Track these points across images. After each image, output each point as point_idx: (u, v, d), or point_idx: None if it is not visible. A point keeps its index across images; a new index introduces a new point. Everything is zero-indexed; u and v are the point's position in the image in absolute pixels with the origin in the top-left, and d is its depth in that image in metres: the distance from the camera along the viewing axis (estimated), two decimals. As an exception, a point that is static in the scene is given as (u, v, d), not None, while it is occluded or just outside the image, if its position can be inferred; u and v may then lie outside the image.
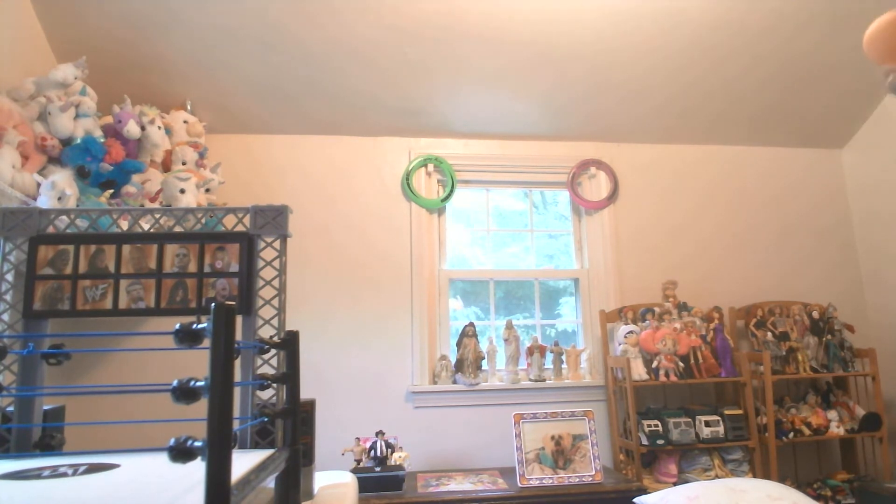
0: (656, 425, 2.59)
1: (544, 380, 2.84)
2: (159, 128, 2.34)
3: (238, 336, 0.79)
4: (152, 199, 2.24)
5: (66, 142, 1.99)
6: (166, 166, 2.47)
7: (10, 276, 1.11)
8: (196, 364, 2.46)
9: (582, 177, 3.13)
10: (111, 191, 2.08)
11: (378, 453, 2.34)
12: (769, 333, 2.86)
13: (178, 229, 1.17)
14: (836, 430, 2.74)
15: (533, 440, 2.40)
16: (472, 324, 2.82)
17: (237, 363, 1.03)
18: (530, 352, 2.86)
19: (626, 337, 2.76)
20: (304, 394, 1.05)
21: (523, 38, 2.54)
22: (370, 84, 2.71)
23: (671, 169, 3.20)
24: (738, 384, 2.77)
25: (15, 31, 2.16)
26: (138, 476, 0.77)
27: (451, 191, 2.97)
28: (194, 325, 0.62)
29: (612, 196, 3.10)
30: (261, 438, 1.04)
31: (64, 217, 1.19)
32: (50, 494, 0.69)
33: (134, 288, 1.11)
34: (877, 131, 3.16)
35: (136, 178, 2.21)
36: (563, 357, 2.89)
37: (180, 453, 0.56)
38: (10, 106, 1.85)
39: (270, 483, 0.87)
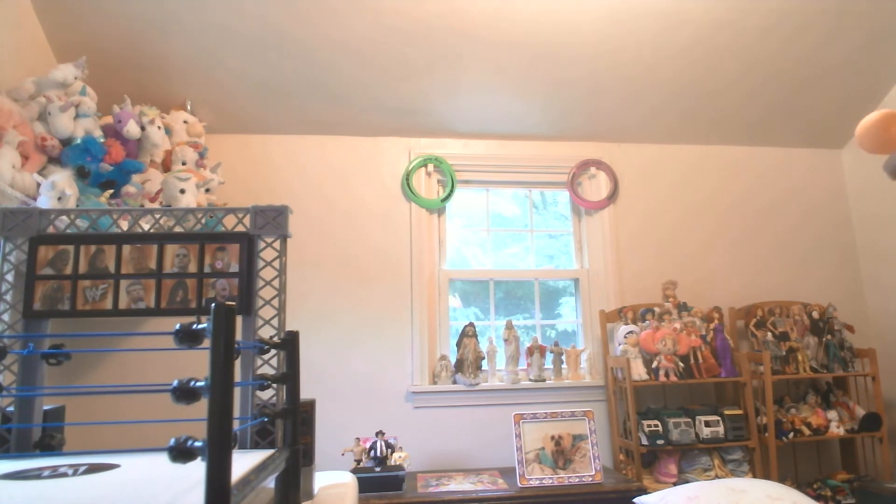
0: (656, 425, 2.59)
1: (544, 380, 2.84)
2: (159, 128, 2.34)
3: (238, 336, 0.79)
4: (152, 199, 2.24)
5: (66, 142, 1.99)
6: (166, 166, 2.47)
7: (10, 276, 1.11)
8: (196, 364, 2.46)
9: (582, 177, 3.13)
10: (111, 191, 2.08)
11: (378, 453, 2.34)
12: (769, 333, 2.86)
13: (178, 229, 1.17)
14: (836, 430, 2.74)
15: (533, 440, 2.40)
16: (472, 324, 2.82)
17: (237, 363, 1.03)
18: (530, 352, 2.86)
19: (626, 337, 2.76)
20: (304, 394, 1.05)
21: (523, 38, 2.54)
22: (370, 84, 2.71)
23: (671, 169, 3.20)
24: (738, 384, 2.77)
25: (15, 31, 2.16)
26: (138, 476, 0.77)
27: (451, 191, 2.98)
28: (194, 326, 0.62)
29: (612, 196, 3.10)
30: (261, 438, 1.04)
31: (64, 217, 1.19)
32: (50, 494, 0.69)
33: (134, 288, 1.11)
34: (877, 131, 3.16)
35: (136, 178, 2.21)
36: (563, 357, 2.89)
37: (180, 453, 0.56)
38: (10, 106, 1.85)
39: (270, 483, 0.87)
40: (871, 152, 0.91)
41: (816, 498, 2.66)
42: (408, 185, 2.94)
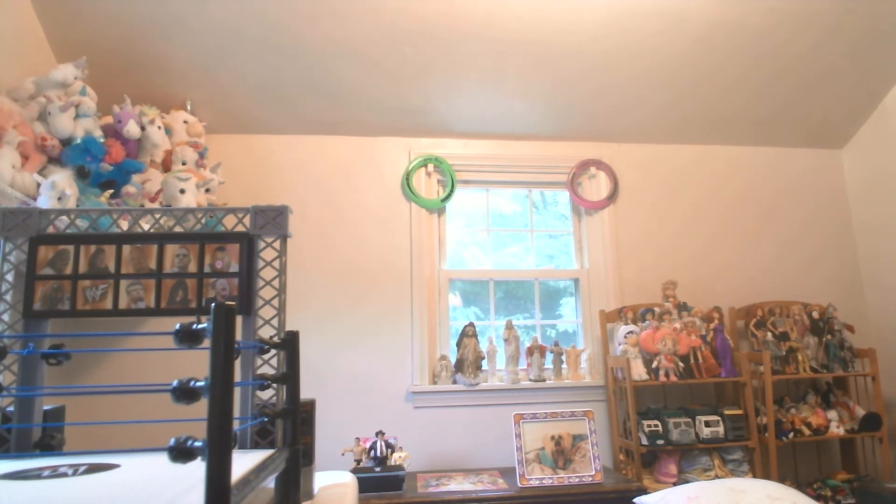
0: (656, 425, 2.59)
1: (544, 380, 2.84)
2: (159, 128, 2.34)
3: (238, 336, 0.79)
4: (152, 199, 2.24)
5: (66, 142, 1.99)
6: (166, 166, 2.47)
7: (10, 276, 1.11)
8: (196, 364, 2.46)
9: (582, 177, 3.13)
10: (111, 191, 2.08)
11: (378, 453, 2.34)
12: (769, 333, 2.86)
13: (178, 229, 1.17)
14: (836, 430, 2.74)
15: (533, 440, 2.40)
16: (472, 324, 2.82)
17: (237, 363, 1.03)
18: (530, 352, 2.85)
19: (626, 337, 2.76)
20: (304, 394, 1.05)
21: (523, 38, 2.53)
22: (370, 84, 2.71)
23: (671, 169, 3.20)
24: (738, 384, 2.77)
25: (15, 31, 2.16)
26: (138, 476, 0.77)
27: (451, 191, 2.97)
28: (194, 326, 0.62)
29: (612, 196, 3.10)
30: (261, 438, 1.04)
31: (64, 217, 1.19)
32: (50, 494, 0.69)
33: (134, 288, 1.11)
34: (876, 131, 3.16)
35: (136, 178, 2.21)
36: (563, 357, 2.89)
37: (180, 453, 0.56)
38: (10, 106, 1.85)
39: (270, 483, 0.87)
40: None
41: (816, 498, 2.66)
42: (408, 185, 2.94)
